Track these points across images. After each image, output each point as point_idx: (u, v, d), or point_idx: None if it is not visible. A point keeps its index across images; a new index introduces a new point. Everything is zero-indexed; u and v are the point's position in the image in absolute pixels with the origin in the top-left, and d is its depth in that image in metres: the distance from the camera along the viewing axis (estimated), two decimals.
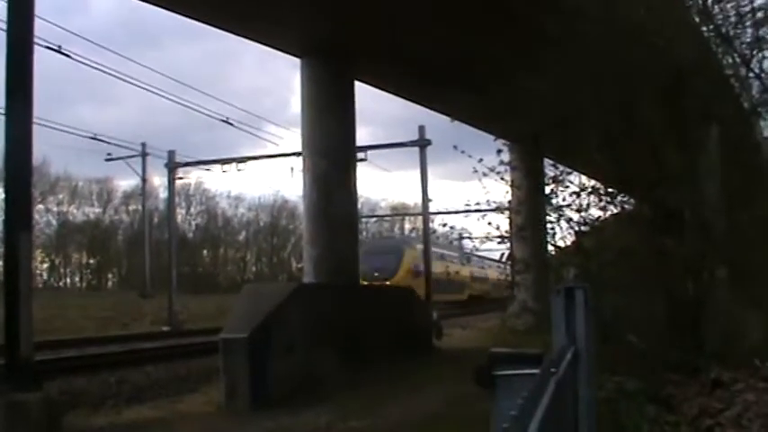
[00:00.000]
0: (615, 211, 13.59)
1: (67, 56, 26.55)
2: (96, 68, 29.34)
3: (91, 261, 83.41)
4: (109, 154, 44.86)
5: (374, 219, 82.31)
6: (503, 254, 16.08)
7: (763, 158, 14.33)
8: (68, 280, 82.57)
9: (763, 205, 13.29)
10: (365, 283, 42.10)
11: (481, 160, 14.70)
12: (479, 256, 59.90)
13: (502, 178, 14.62)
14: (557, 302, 3.90)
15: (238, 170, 37.81)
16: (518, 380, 2.51)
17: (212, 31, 22.84)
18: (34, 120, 13.20)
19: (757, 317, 12.23)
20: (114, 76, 30.93)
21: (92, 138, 38.77)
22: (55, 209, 79.55)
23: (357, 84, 23.13)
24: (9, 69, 12.73)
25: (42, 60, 13.25)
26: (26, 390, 12.15)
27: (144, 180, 50.80)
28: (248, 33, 21.39)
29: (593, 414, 4.08)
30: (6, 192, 12.85)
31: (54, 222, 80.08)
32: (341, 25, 19.95)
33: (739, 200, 13.41)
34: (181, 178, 41.41)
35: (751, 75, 13.60)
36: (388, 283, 44.33)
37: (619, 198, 13.47)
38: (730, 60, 13.77)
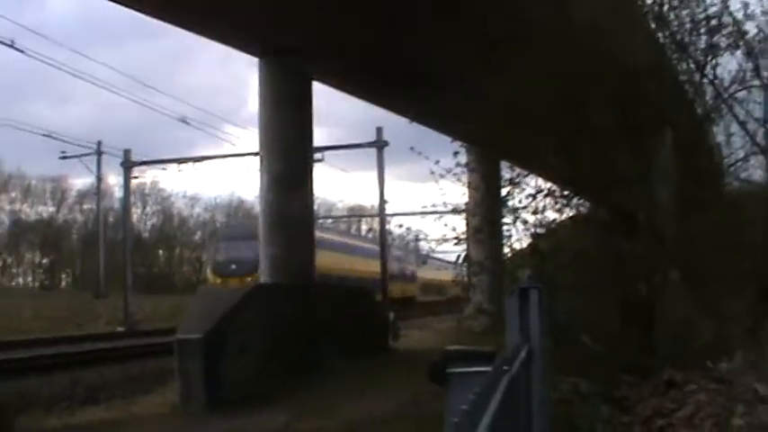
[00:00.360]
0: (571, 213, 13.70)
1: (21, 51, 26.24)
2: (51, 65, 29.05)
3: (44, 260, 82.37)
4: (63, 152, 44.48)
5: (330, 220, 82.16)
6: (459, 255, 16.11)
7: (715, 164, 14.53)
8: (21, 279, 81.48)
9: (715, 210, 13.47)
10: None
11: (438, 162, 14.76)
12: (438, 259, 51.49)
13: (459, 180, 14.69)
14: (511, 302, 3.93)
15: (195, 169, 37.66)
16: (471, 377, 2.53)
17: (170, 30, 22.71)
18: None
19: (709, 319, 12.37)
20: (70, 73, 30.68)
21: (45, 135, 38.40)
22: (7, 207, 78.51)
23: (315, 84, 23.11)
24: None
25: None
26: None
27: (99, 179, 50.21)
28: (206, 33, 21.31)
29: (546, 413, 4.11)
30: None
31: (6, 221, 79.06)
32: (299, 27, 19.91)
33: (692, 204, 13.57)
34: (137, 177, 41.15)
35: (705, 80, 13.80)
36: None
37: (574, 201, 13.59)
38: (685, 66, 13.95)
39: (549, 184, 13.79)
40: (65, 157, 45.62)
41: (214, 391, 14.41)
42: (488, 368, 2.47)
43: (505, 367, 2.55)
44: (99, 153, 46.11)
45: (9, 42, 25.68)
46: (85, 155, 45.91)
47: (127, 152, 39.05)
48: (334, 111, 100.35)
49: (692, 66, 13.75)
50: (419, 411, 11.11)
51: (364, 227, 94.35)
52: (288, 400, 14.31)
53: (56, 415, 13.98)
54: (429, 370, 3.04)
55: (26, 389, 15.58)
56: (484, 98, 12.12)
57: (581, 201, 13.78)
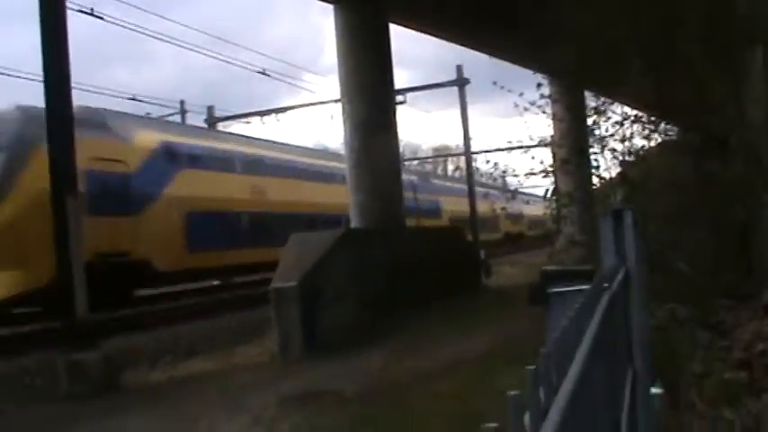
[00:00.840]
0: (659, 139, 13.46)
1: (100, 18, 26.50)
2: (130, 29, 29.29)
3: None
4: (148, 113, 45.03)
5: (416, 161, 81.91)
6: (547, 189, 15.97)
7: None
8: None
9: None
10: None
11: (522, 94, 14.61)
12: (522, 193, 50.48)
13: (543, 111, 14.53)
14: (605, 225, 3.87)
15: (277, 120, 37.85)
16: (571, 296, 2.51)
17: None
18: (72, 85, 13.28)
19: None
20: (147, 35, 30.88)
21: (130, 99, 38.84)
22: None
23: (392, 26, 22.97)
24: (44, 34, 12.79)
25: (76, 24, 13.29)
26: (83, 349, 12.38)
27: None
28: None
29: (646, 337, 4.07)
30: (51, 158, 12.97)
31: None
32: None
33: None
34: None
35: None
36: None
37: (663, 126, 13.33)
38: None
39: (635, 111, 13.55)
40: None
41: (311, 338, 14.60)
42: (588, 286, 2.44)
43: (605, 285, 2.52)
44: (183, 112, 46.51)
45: (89, 10, 25.88)
46: (170, 115, 46.43)
47: (210, 108, 39.51)
48: (412, 52, 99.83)
49: None
50: (516, 347, 11.11)
51: (450, 166, 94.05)
52: (385, 343, 14.44)
53: (160, 368, 14.30)
54: (530, 292, 3.03)
55: (131, 345, 15.97)
56: (567, 28, 11.91)
57: (669, 126, 13.52)
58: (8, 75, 27.71)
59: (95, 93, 50.14)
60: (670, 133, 13.52)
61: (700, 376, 7.59)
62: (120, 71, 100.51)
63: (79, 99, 15.82)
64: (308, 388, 11.32)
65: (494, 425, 1.08)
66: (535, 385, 1.26)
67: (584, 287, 2.45)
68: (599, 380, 2.06)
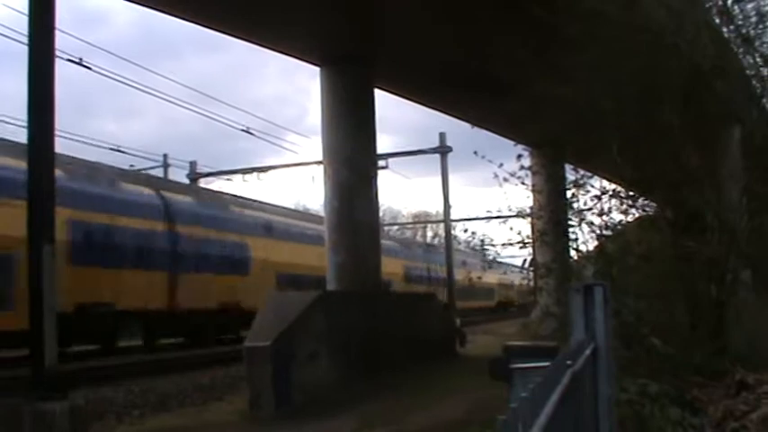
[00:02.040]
0: (637, 214, 13.56)
1: (88, 68, 26.61)
2: (117, 80, 29.43)
3: None
4: (131, 165, 45.00)
5: (396, 227, 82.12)
6: (525, 259, 16.03)
7: None
8: None
9: None
10: None
11: (501, 165, 14.71)
12: (501, 262, 51.67)
13: (523, 183, 14.63)
14: (575, 300, 3.89)
15: (259, 179, 37.88)
16: (534, 373, 2.51)
17: (231, 43, 23.00)
18: (57, 132, 13.28)
19: None
20: (135, 87, 31.01)
21: (114, 149, 38.84)
22: None
23: (377, 92, 23.17)
24: (31, 83, 12.81)
25: (63, 73, 13.36)
26: (51, 399, 12.22)
27: None
28: (267, 43, 21.45)
29: (612, 413, 4.07)
30: (30, 204, 12.91)
31: None
32: (360, 33, 20.00)
33: (763, 202, 13.35)
34: None
35: None
36: None
37: (640, 201, 13.44)
38: (751, 61, 13.73)
39: (613, 186, 13.66)
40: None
41: (283, 398, 14.49)
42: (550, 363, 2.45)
43: (569, 362, 2.53)
44: (165, 165, 46.53)
45: (78, 60, 25.99)
46: (152, 168, 46.39)
47: (193, 164, 39.52)
48: (395, 118, 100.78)
49: (759, 60, 13.52)
50: (489, 416, 11.06)
51: (429, 233, 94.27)
52: (357, 407, 14.35)
53: (128, 422, 14.16)
54: (490, 365, 3.03)
55: (100, 396, 15.81)
56: (549, 101, 12.06)
57: (647, 201, 13.62)
58: None
59: (80, 142, 50.05)
60: (648, 209, 13.62)
61: None
62: (107, 122, 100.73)
63: (63, 148, 15.81)
64: None
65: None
66: None
67: (546, 364, 2.46)
68: None
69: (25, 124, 13.08)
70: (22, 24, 13.52)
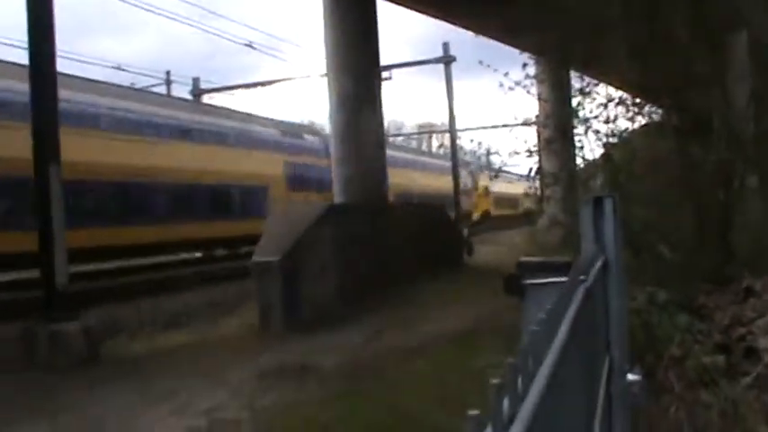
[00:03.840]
0: (643, 121, 13.46)
1: None
2: None
3: None
4: (132, 83, 44.79)
5: (401, 137, 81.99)
6: (531, 168, 15.96)
7: None
8: None
9: None
10: None
11: (507, 74, 14.56)
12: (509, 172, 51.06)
13: (528, 92, 14.49)
14: (585, 212, 3.87)
15: (263, 93, 37.80)
16: (547, 288, 2.51)
17: None
18: (57, 53, 13.20)
19: None
20: (135, 5, 30.66)
21: (115, 68, 38.66)
22: None
23: (379, 2, 22.91)
24: (29, 3, 12.69)
25: None
26: (64, 320, 12.35)
27: None
28: None
29: (624, 324, 4.08)
30: (34, 126, 12.90)
31: None
32: None
33: None
34: None
35: None
36: None
37: (647, 108, 13.33)
38: None
39: (620, 93, 13.54)
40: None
41: (293, 312, 14.62)
42: (564, 278, 2.44)
43: (582, 277, 2.53)
44: (168, 82, 46.28)
45: None
46: (155, 85, 46.15)
47: (196, 80, 39.40)
48: (400, 30, 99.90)
49: None
50: (495, 325, 11.16)
51: (435, 143, 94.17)
52: (365, 319, 14.49)
53: (140, 340, 14.31)
54: (505, 282, 3.03)
55: (112, 316, 15.97)
56: (553, 7, 11.89)
57: (654, 108, 13.51)
58: None
59: (80, 62, 49.79)
60: (654, 116, 13.52)
61: (678, 360, 7.64)
62: (104, 41, 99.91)
63: (63, 68, 15.68)
64: (287, 362, 11.34)
65: (476, 412, 1.09)
66: (513, 372, 1.28)
67: (560, 279, 2.46)
68: (575, 368, 2.07)
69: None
70: None
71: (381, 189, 22.45)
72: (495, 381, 1.14)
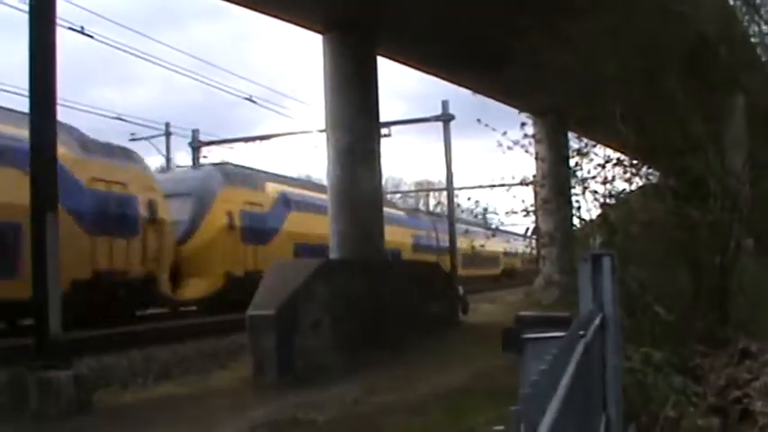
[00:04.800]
0: (640, 183, 13.53)
1: (90, 36, 26.54)
2: (119, 48, 29.35)
3: None
4: (133, 134, 44.90)
5: (398, 195, 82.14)
6: (528, 228, 16.03)
7: None
8: None
9: None
10: None
11: (505, 133, 14.66)
12: (506, 231, 52.32)
13: (526, 151, 14.58)
14: (583, 270, 3.89)
15: (261, 147, 37.97)
16: (546, 343, 2.50)
17: (232, 10, 22.86)
18: (59, 101, 13.26)
19: None
20: (137, 56, 30.89)
21: (116, 118, 38.81)
22: None
23: (380, 60, 23.10)
24: (32, 52, 12.78)
25: (64, 42, 13.33)
26: (56, 367, 12.27)
27: (168, 159, 50.67)
28: (270, 10, 21.34)
29: (619, 383, 4.08)
30: (32, 174, 12.92)
31: None
32: (362, 1, 19.86)
33: (765, 170, 13.31)
34: (205, 157, 41.33)
35: None
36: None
37: (644, 170, 13.41)
38: (756, 29, 13.66)
39: (617, 154, 13.63)
40: (134, 139, 46.03)
41: (286, 367, 14.56)
42: (564, 334, 2.44)
43: (581, 332, 2.53)
44: (168, 134, 46.41)
45: (79, 28, 25.90)
46: (154, 136, 46.25)
47: (195, 132, 39.48)
48: (397, 85, 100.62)
49: (764, 28, 13.47)
50: (491, 385, 11.11)
51: (432, 201, 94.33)
52: (359, 375, 14.42)
53: (132, 390, 14.23)
54: (503, 336, 3.02)
55: (103, 365, 15.88)
56: (551, 69, 12.01)
57: (651, 170, 13.59)
58: None
59: (81, 111, 50.04)
60: (651, 177, 13.60)
61: (673, 421, 7.60)
62: (106, 91, 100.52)
63: (65, 117, 15.78)
64: (280, 416, 11.28)
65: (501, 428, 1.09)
66: (517, 424, 1.28)
67: (559, 334, 2.46)
68: (574, 422, 2.07)
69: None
70: None
71: (377, 245, 22.45)
72: (498, 428, 1.14)
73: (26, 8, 13.05)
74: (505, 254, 69.36)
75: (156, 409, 12.51)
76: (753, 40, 13.66)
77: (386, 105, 23.05)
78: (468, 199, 44.86)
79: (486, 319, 25.90)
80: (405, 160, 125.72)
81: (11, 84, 33.57)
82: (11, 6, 20.88)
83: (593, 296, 3.79)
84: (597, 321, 3.33)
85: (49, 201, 12.71)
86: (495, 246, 59.29)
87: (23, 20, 12.95)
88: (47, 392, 12.07)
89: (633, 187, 13.44)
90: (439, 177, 63.42)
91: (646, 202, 13.38)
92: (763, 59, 13.74)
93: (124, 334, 21.14)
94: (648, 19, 11.73)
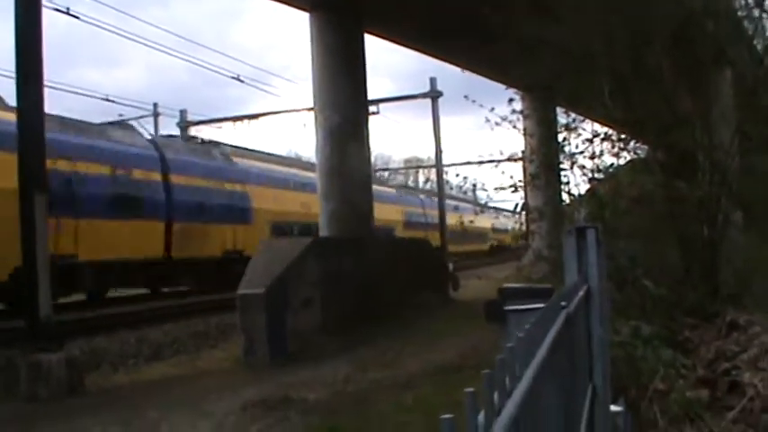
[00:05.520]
0: (629, 157, 13.55)
1: (76, 17, 26.36)
2: (105, 29, 29.22)
3: None
4: (120, 115, 44.66)
5: (388, 172, 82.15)
6: (516, 203, 16.03)
7: None
8: None
9: None
10: None
11: (493, 109, 14.65)
12: (494, 207, 52.02)
13: (514, 127, 14.58)
14: (568, 243, 3.89)
15: (249, 127, 37.83)
16: (529, 314, 2.51)
17: None
18: (45, 83, 13.20)
19: None
20: (121, 35, 30.68)
21: (104, 99, 38.62)
22: None
23: (367, 38, 23.02)
24: (18, 33, 12.72)
25: (46, 21, 13.24)
26: (48, 350, 12.27)
27: None
28: None
29: (606, 354, 4.09)
30: (20, 155, 12.88)
31: None
32: None
33: (754, 143, 13.34)
34: (194, 137, 41.29)
35: (764, 16, 13.47)
36: None
37: (632, 144, 13.42)
38: (743, 2, 13.64)
39: (605, 129, 13.63)
40: (122, 120, 45.87)
41: (277, 345, 14.58)
42: (544, 305, 2.45)
43: (563, 303, 2.54)
44: (156, 114, 46.24)
45: (65, 9, 25.71)
46: (142, 117, 46.05)
47: (183, 112, 39.39)
48: (385, 62, 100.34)
49: (751, 1, 13.44)
50: (481, 360, 11.14)
51: (422, 178, 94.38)
52: (351, 353, 14.45)
53: (123, 371, 14.25)
54: (485, 308, 3.02)
55: (95, 347, 15.90)
56: (538, 44, 11.98)
57: (639, 144, 13.61)
58: None
59: (67, 92, 49.76)
60: (639, 151, 13.61)
61: (662, 394, 7.64)
62: (90, 72, 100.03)
63: (52, 98, 15.75)
64: (271, 395, 11.29)
65: (450, 416, 1.09)
66: (489, 387, 1.28)
67: (541, 305, 2.46)
68: (555, 389, 2.08)
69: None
70: None
71: (367, 223, 22.46)
72: (468, 389, 1.14)
73: None
74: (494, 230, 69.65)
75: (149, 390, 12.53)
76: (739, 13, 13.64)
77: (372, 83, 23.01)
78: (457, 175, 45.06)
79: (476, 295, 25.91)
80: (395, 137, 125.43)
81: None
82: None
83: (578, 269, 3.80)
84: (581, 293, 3.34)
85: (37, 182, 12.68)
86: (484, 222, 59.45)
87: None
88: (38, 375, 12.07)
89: (621, 162, 13.47)
90: (428, 154, 63.45)
91: (634, 177, 13.41)
92: (750, 33, 13.72)
93: (115, 315, 21.16)
94: None
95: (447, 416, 1.03)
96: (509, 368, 1.40)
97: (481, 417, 1.20)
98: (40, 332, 12.41)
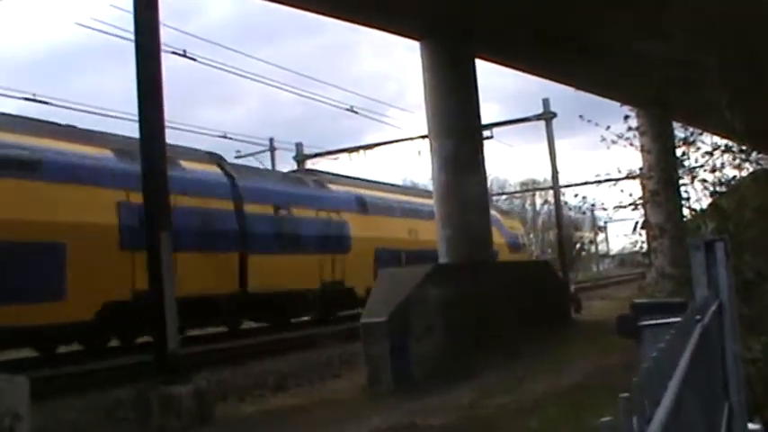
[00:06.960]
0: (751, 168, 13.24)
1: (193, 59, 27.13)
2: (219, 68, 29.87)
3: None
4: (238, 151, 45.56)
5: (504, 196, 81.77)
6: (636, 222, 15.78)
7: None
8: None
9: None
10: None
11: (609, 128, 14.51)
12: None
13: (631, 144, 14.40)
14: (696, 256, 3.84)
15: (365, 157, 38.16)
16: (663, 329, 2.49)
17: (328, 24, 23.15)
18: (166, 123, 13.61)
19: None
20: (237, 74, 31.31)
21: (221, 137, 39.45)
22: None
23: (478, 62, 23.06)
24: (140, 77, 13.16)
25: (166, 65, 13.67)
26: (176, 383, 12.57)
27: None
28: (367, 21, 21.54)
29: (740, 370, 4.01)
30: (145, 194, 13.29)
31: None
32: (458, 4, 19.86)
33: None
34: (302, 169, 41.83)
35: None
36: None
37: (754, 155, 13.10)
38: None
39: (725, 141, 13.35)
40: (239, 156, 46.73)
41: (401, 373, 14.61)
42: (679, 319, 2.43)
43: (698, 317, 2.51)
44: (272, 149, 47.01)
45: (181, 52, 26.52)
46: (259, 152, 46.89)
47: (299, 145, 39.98)
48: (493, 86, 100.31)
49: None
50: (607, 382, 10.98)
51: (539, 200, 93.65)
52: (473, 378, 14.39)
53: (250, 402, 14.45)
54: (618, 323, 3.01)
55: (220, 378, 16.18)
56: (650, 60, 11.86)
57: (761, 155, 13.28)
58: (103, 115, 28.35)
59: (188, 131, 51.07)
60: (762, 162, 13.28)
61: None
62: (209, 110, 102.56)
63: (172, 138, 16.22)
64: (398, 422, 11.33)
65: (609, 418, 1.10)
66: (627, 413, 1.28)
67: (675, 320, 2.44)
68: (693, 412, 2.06)
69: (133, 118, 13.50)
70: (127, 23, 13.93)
71: (486, 247, 22.41)
72: (605, 420, 1.14)
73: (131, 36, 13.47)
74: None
75: (275, 420, 12.70)
76: None
77: (482, 107, 22.81)
78: (575, 196, 44.49)
79: (598, 317, 25.59)
80: (509, 161, 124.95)
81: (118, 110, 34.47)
82: (118, 36, 21.51)
83: (707, 283, 3.75)
84: (714, 307, 3.30)
85: (163, 220, 13.05)
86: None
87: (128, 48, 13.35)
88: (169, 407, 12.38)
89: (744, 174, 13.16)
90: (544, 176, 63.00)
91: (758, 188, 13.08)
92: None
93: (239, 347, 21.51)
94: (745, 3, 11.51)
95: (606, 419, 1.05)
96: (654, 378, 1.41)
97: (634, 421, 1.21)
98: (168, 365, 12.73)
